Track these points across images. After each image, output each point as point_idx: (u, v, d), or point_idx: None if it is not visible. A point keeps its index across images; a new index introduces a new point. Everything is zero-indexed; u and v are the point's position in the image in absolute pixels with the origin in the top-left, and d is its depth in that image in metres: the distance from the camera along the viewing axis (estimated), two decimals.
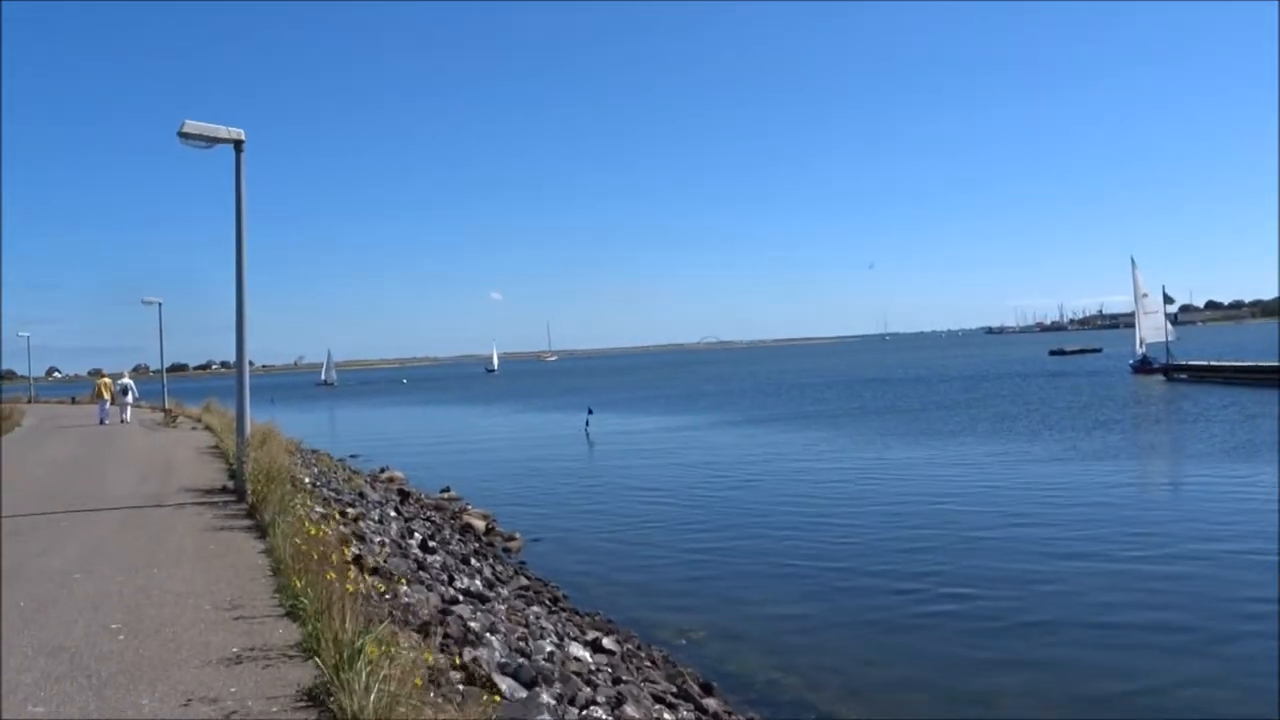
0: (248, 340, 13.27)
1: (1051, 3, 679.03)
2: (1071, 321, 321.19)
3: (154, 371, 49.35)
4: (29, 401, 54.06)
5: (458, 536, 17.47)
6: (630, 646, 11.01)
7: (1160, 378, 57.97)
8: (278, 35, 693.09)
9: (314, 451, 27.21)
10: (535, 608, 11.90)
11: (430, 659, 5.81)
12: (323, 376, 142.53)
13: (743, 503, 22.61)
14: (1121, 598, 13.12)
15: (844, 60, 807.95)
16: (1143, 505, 20.84)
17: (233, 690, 5.29)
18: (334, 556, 7.10)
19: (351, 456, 32.67)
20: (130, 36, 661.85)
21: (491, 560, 15.78)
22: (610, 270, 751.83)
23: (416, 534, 15.33)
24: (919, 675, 10.62)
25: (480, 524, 19.58)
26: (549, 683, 7.34)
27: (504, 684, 6.64)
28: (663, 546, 18.08)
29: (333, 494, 16.42)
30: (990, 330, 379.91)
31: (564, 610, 12.70)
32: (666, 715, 8.38)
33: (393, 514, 17.14)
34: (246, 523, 10.81)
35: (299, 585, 6.79)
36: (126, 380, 33.58)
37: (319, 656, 5.37)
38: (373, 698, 4.70)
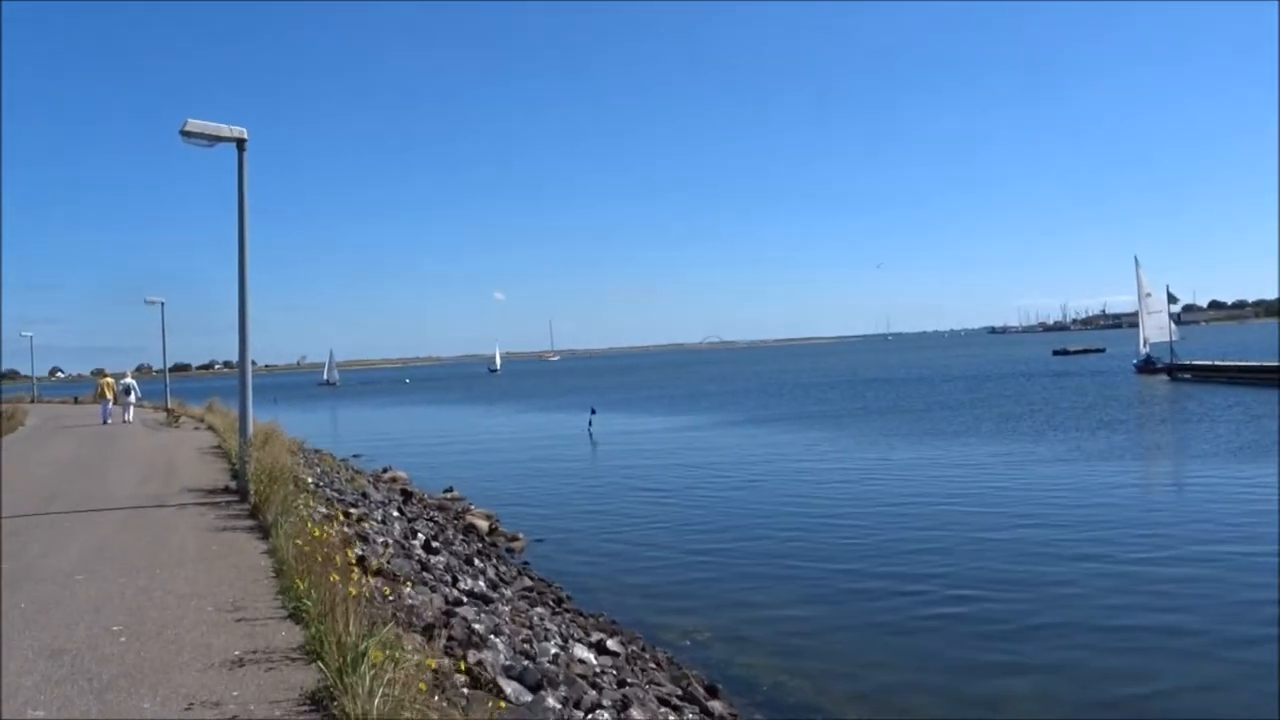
0: (250, 340, 13.26)
1: (1051, 3, 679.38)
2: (1075, 321, 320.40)
3: (157, 371, 49.49)
4: (32, 401, 54.13)
5: (461, 537, 17.42)
6: (635, 648, 10.94)
7: (1164, 378, 57.84)
8: (278, 35, 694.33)
9: (317, 451, 27.14)
10: (539, 609, 11.83)
11: (434, 664, 5.75)
12: (325, 376, 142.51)
13: (747, 503, 22.52)
14: (1129, 600, 13.04)
15: (844, 60, 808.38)
16: (1148, 506, 20.74)
17: (235, 694, 5.24)
18: (337, 558, 7.04)
19: (354, 456, 32.64)
20: (130, 36, 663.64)
21: (495, 561, 15.73)
22: (612, 270, 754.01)
23: (420, 534, 15.27)
24: (926, 678, 10.54)
25: (483, 524, 19.54)
26: (554, 686, 7.28)
27: (509, 688, 6.58)
28: (666, 547, 18.00)
29: (336, 494, 16.36)
30: (993, 330, 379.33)
31: (568, 611, 12.63)
32: (672, 718, 8.31)
33: (396, 514, 17.09)
34: (249, 523, 10.76)
35: (302, 587, 6.74)
36: (129, 380, 33.75)
37: (322, 660, 5.31)
38: (376, 702, 4.64)
